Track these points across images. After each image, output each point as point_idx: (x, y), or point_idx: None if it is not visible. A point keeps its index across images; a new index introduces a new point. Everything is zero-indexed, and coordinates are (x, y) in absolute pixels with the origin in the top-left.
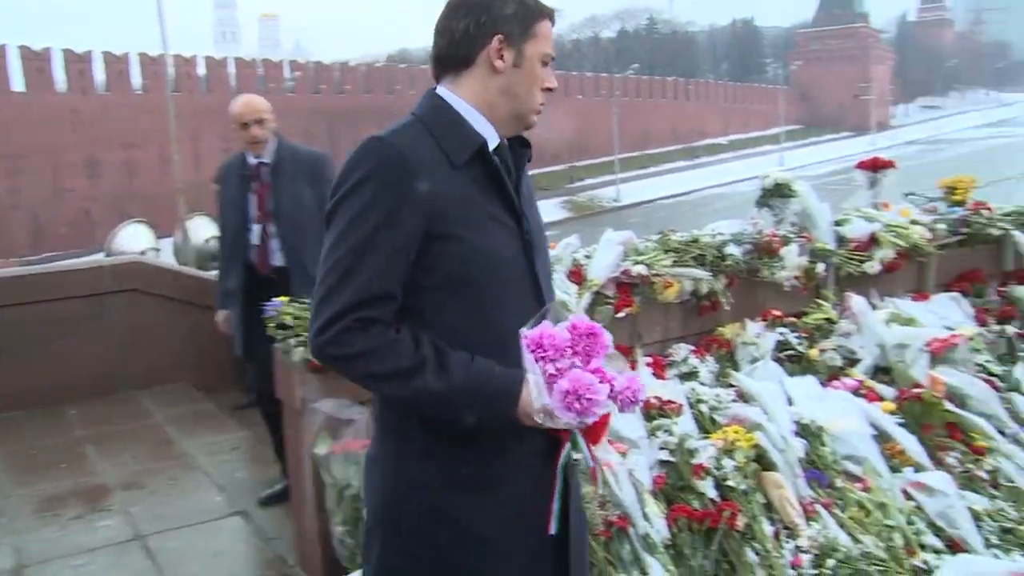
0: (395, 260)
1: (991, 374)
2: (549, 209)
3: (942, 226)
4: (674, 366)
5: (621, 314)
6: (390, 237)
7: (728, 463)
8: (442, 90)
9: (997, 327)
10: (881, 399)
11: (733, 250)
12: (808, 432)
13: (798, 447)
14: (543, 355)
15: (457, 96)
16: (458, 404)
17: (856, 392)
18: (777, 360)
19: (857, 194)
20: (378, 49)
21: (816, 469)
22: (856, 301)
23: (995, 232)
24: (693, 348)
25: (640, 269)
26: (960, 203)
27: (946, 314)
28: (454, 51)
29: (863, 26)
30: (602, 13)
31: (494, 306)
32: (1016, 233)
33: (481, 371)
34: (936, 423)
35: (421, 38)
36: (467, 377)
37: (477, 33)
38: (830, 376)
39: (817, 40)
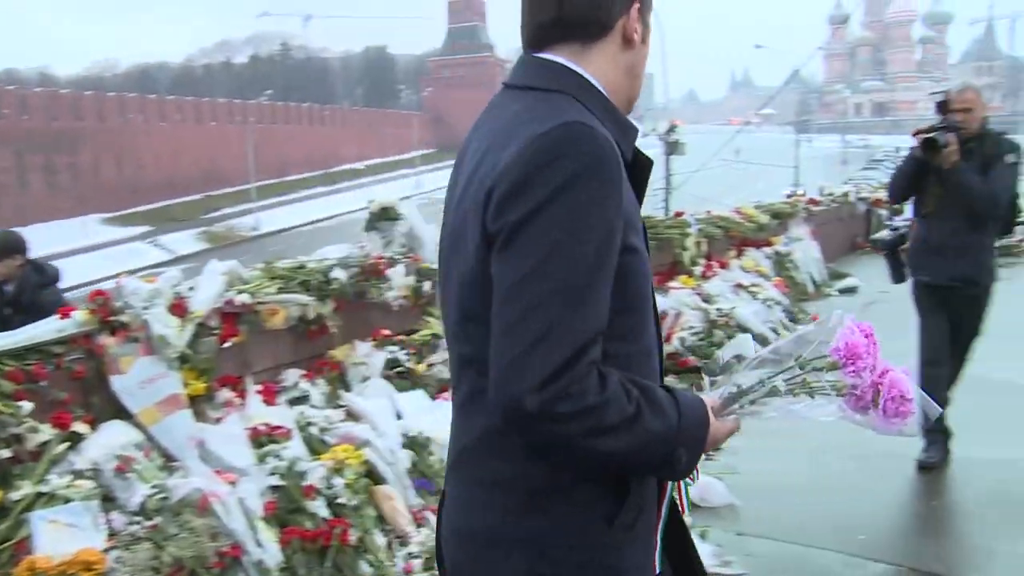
0: (611, 283)
1: None
2: (185, 241)
3: None
4: (285, 392)
5: (227, 344)
6: (611, 253)
7: (338, 481)
8: (565, 61)
9: None
10: None
11: (339, 274)
12: (416, 444)
13: (405, 459)
14: (857, 366)
15: (588, 73)
16: (672, 445)
17: None
18: (387, 378)
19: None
20: None
21: (424, 478)
22: None
23: None
24: (304, 372)
25: (244, 298)
26: None
27: None
28: (590, 14)
29: (489, 56)
30: (234, 38)
31: (646, 325)
32: None
33: (684, 399)
34: None
35: (31, 58)
36: (682, 409)
37: None
38: (441, 388)
39: (447, 68)
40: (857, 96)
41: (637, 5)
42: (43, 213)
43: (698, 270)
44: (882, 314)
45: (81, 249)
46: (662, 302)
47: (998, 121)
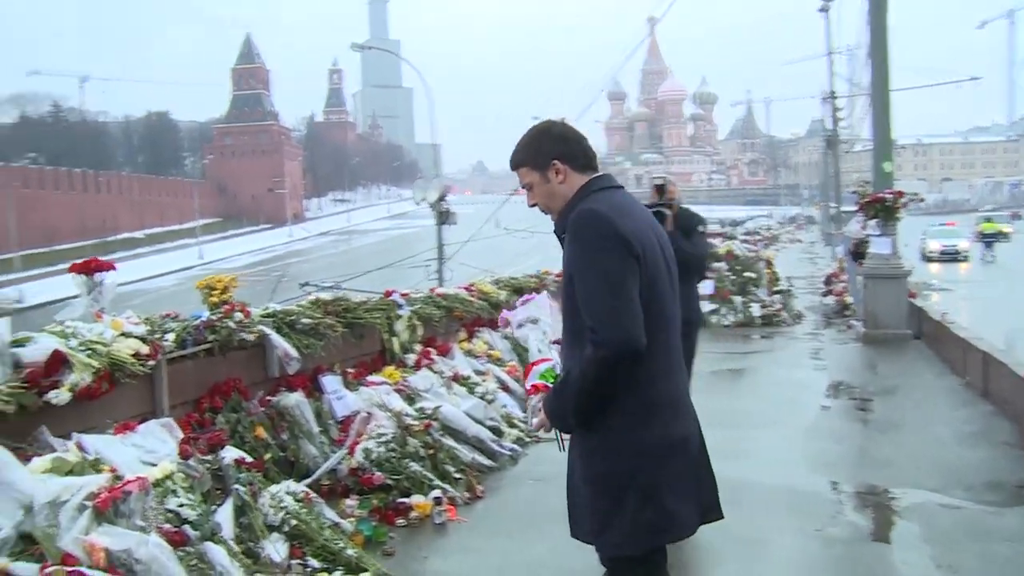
0: None
1: (186, 522)
2: None
3: (170, 337)
4: None
5: None
6: None
7: None
8: None
9: (211, 456)
10: None
11: None
12: None
13: None
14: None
15: None
16: None
17: None
18: None
19: (77, 303)
20: None
21: None
22: None
23: (251, 336)
24: None
25: None
26: (220, 304)
27: (153, 446)
28: None
29: (273, 124)
30: None
31: None
32: (273, 335)
33: None
34: None
35: None
36: None
37: None
38: None
39: (231, 135)
40: (637, 168)
41: None
42: None
43: (411, 359)
44: None
45: None
46: (355, 401)
47: (761, 194)
